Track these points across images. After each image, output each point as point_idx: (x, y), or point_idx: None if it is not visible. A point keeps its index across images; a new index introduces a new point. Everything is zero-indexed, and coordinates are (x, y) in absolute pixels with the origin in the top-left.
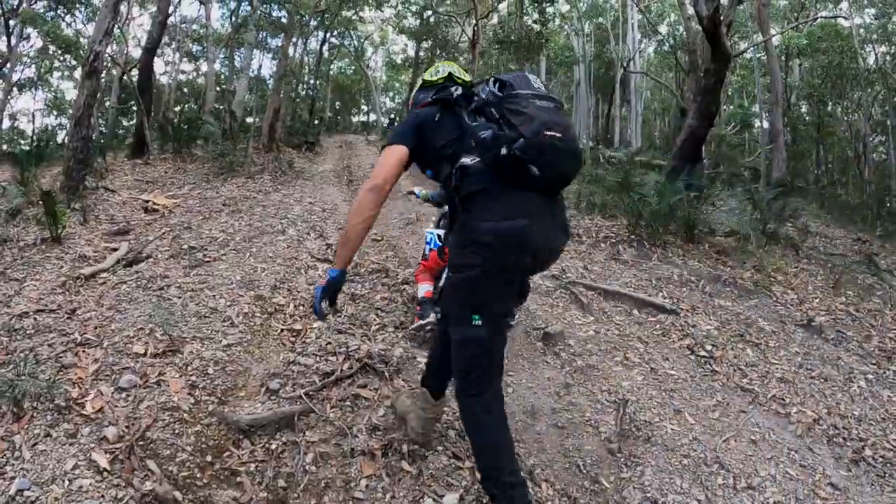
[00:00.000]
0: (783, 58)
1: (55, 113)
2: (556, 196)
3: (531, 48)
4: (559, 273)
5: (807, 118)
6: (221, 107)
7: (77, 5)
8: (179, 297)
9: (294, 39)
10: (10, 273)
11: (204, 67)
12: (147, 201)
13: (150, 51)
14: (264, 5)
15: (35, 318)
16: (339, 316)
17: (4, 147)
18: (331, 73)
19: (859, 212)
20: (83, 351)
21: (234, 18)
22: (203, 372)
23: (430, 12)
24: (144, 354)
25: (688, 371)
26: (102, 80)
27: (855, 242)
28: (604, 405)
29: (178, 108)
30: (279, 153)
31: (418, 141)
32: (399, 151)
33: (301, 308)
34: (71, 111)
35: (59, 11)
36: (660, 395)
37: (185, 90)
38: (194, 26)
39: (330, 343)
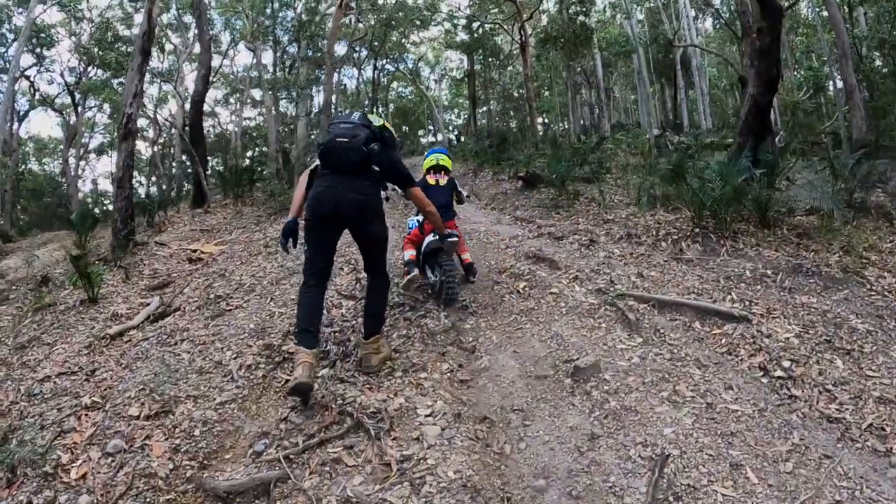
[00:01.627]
0: (845, 8)
1: (136, 172)
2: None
3: (578, 42)
4: (606, 285)
5: (883, 70)
6: (287, 146)
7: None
8: (189, 353)
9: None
10: (45, 337)
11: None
12: (194, 251)
13: (198, 104)
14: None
15: (55, 382)
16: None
17: (95, 210)
18: (390, 98)
19: None
20: (86, 414)
21: (282, 59)
22: (189, 434)
23: (477, 24)
24: (138, 417)
25: (757, 402)
26: (164, 137)
27: None
28: (636, 463)
29: (249, 153)
30: None
31: None
32: None
33: None
34: (113, 172)
35: (114, 80)
36: (714, 444)
37: (254, 134)
38: (254, 73)
39: (327, 395)
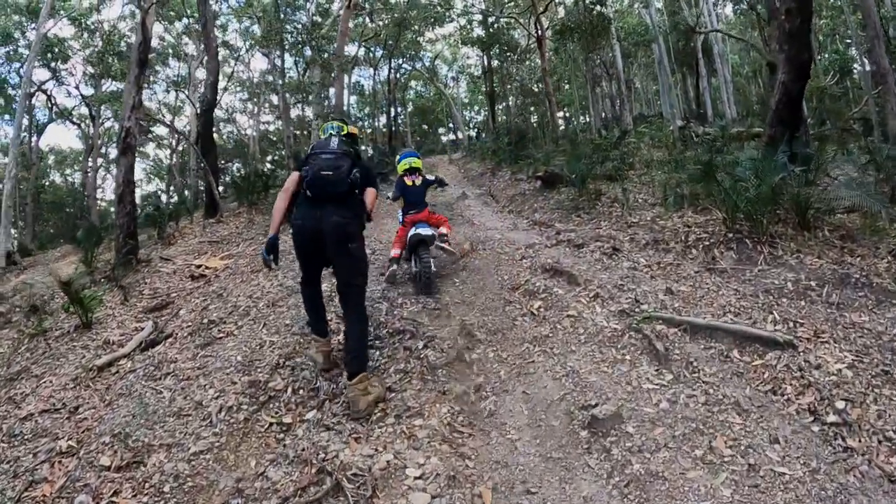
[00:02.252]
0: None
1: (157, 180)
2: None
3: (595, 33)
4: (630, 305)
5: None
6: (302, 150)
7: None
8: (171, 390)
9: (363, 71)
10: (34, 369)
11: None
12: (198, 266)
13: (207, 112)
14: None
15: (37, 421)
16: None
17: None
18: (408, 97)
19: None
20: (59, 462)
21: (296, 62)
22: (159, 490)
23: (492, 19)
24: (109, 468)
25: (808, 459)
26: (183, 145)
27: None
28: None
29: (269, 157)
30: None
31: None
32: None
33: (300, 392)
34: (113, 187)
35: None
36: None
37: (273, 139)
38: (269, 77)
39: (309, 447)
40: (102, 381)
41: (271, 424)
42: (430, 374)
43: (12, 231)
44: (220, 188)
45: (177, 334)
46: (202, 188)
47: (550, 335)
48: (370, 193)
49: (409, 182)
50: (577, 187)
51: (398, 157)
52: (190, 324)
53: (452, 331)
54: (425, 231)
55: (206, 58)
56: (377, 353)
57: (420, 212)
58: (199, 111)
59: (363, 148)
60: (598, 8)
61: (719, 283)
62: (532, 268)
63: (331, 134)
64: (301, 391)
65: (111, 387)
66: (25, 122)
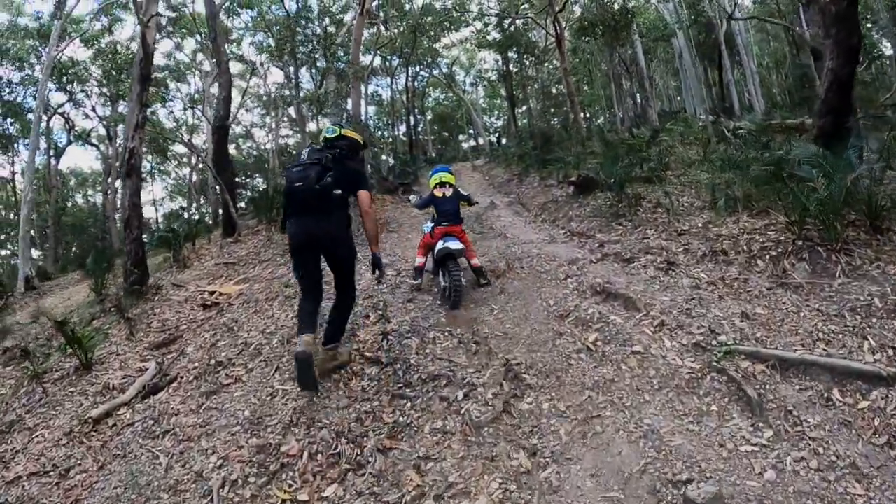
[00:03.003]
0: None
1: (179, 197)
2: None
3: (618, 28)
4: (705, 336)
5: None
6: None
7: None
8: (168, 455)
9: (380, 81)
10: (28, 419)
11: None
12: (211, 293)
13: (221, 128)
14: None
15: (24, 486)
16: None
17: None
18: (427, 105)
19: None
20: None
21: (311, 73)
22: None
23: (508, 21)
24: None
25: None
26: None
27: None
28: None
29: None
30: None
31: None
32: None
33: (318, 458)
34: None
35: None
36: None
37: (293, 152)
38: (285, 91)
39: None
40: (98, 435)
41: (284, 501)
42: (473, 433)
43: (36, 254)
44: (242, 204)
45: (181, 377)
46: (220, 206)
47: (616, 379)
48: (362, 196)
49: (439, 194)
50: (616, 192)
51: (430, 171)
52: (196, 365)
53: (496, 373)
54: (454, 245)
55: (217, 73)
56: (408, 403)
57: (453, 225)
58: (213, 127)
59: (384, 158)
60: (620, 1)
61: (797, 301)
62: (580, 289)
63: (311, 145)
64: (319, 456)
65: (106, 444)
66: (44, 144)
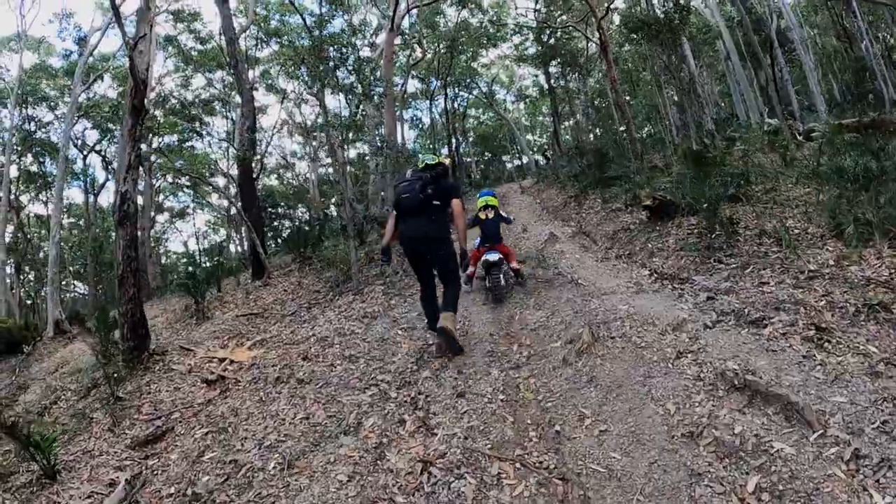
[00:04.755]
0: None
1: (222, 229)
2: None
3: (673, 29)
4: None
5: None
6: (361, 190)
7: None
8: None
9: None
10: None
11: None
12: (222, 359)
13: (245, 162)
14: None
15: None
16: None
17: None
18: (468, 125)
19: None
20: None
21: (347, 100)
22: None
23: (546, 33)
24: None
25: None
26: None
27: None
28: None
29: (333, 200)
30: None
31: None
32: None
33: None
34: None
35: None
36: None
37: (333, 180)
38: (321, 119)
39: None
40: None
41: None
42: None
43: (79, 293)
44: (283, 235)
45: None
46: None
47: None
48: (455, 205)
49: (483, 216)
50: (708, 218)
51: (478, 194)
52: (172, 491)
53: None
54: (492, 256)
55: (241, 102)
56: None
57: (494, 244)
58: (237, 161)
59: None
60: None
61: None
62: (705, 379)
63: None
64: None
65: None
66: (79, 183)
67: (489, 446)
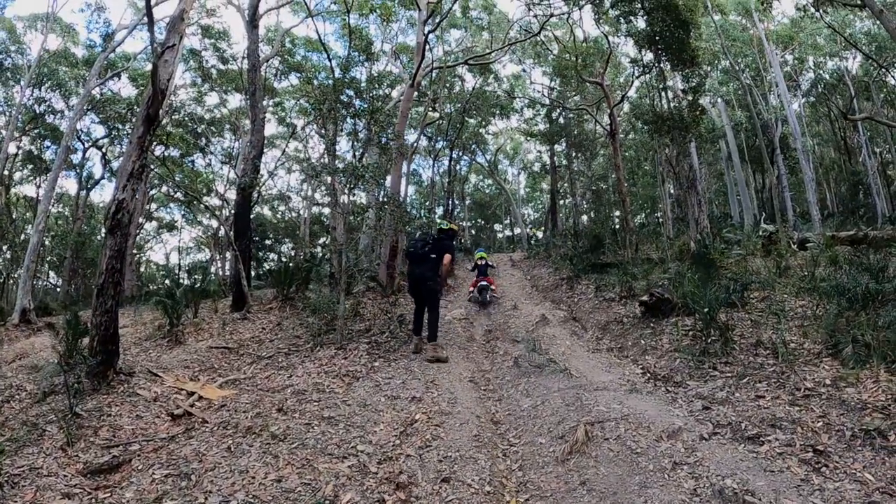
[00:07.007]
0: None
1: (207, 249)
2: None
3: (685, 126)
4: None
5: None
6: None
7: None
8: None
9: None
10: None
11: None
12: (191, 393)
13: (246, 190)
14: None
15: None
16: None
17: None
18: (467, 190)
19: None
20: None
21: (353, 145)
22: None
23: (557, 112)
24: None
25: None
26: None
27: None
28: None
29: (322, 240)
30: (397, 298)
31: None
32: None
33: None
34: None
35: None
36: None
37: (325, 221)
38: (325, 159)
39: None
40: None
41: None
42: None
43: (52, 284)
44: (264, 267)
45: None
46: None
47: None
48: (445, 258)
49: (479, 262)
50: (705, 322)
51: (476, 249)
52: None
53: None
54: (483, 283)
55: (251, 130)
56: None
57: (484, 278)
58: (238, 188)
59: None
60: (695, 97)
61: None
62: (702, 496)
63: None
64: None
65: None
66: (73, 176)
67: None
